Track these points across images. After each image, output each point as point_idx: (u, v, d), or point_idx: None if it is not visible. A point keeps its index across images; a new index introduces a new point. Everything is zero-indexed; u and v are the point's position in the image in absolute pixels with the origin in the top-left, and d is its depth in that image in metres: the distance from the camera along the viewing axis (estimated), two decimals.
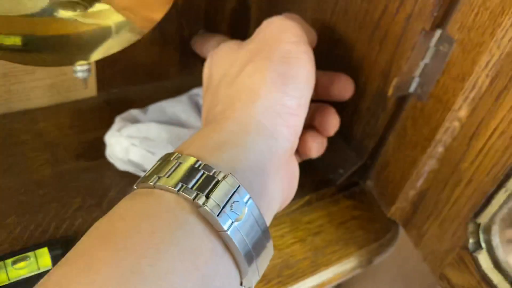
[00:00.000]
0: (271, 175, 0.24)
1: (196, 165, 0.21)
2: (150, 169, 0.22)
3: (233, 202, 0.20)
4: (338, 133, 0.37)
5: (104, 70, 0.38)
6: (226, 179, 0.21)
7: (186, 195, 0.20)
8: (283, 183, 0.26)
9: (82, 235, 0.29)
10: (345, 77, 0.32)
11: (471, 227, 0.29)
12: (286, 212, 0.34)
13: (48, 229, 0.29)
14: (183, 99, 0.36)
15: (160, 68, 0.41)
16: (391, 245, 0.35)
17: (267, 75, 0.26)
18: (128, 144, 0.31)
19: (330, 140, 0.36)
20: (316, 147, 0.31)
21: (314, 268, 0.31)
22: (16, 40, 0.22)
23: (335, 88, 0.32)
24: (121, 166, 0.33)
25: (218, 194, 0.20)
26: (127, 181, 0.33)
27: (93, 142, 0.35)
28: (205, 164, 0.21)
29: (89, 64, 0.29)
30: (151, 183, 0.21)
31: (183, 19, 0.39)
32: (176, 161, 0.22)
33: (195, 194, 0.20)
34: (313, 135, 0.31)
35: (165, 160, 0.22)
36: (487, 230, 0.29)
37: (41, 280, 0.18)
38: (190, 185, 0.20)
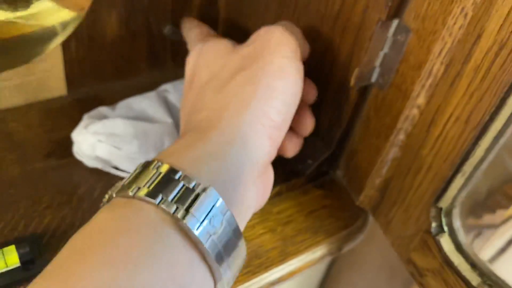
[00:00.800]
0: (248, 185, 0.25)
1: (176, 177, 0.22)
2: (129, 176, 0.22)
3: (212, 216, 0.21)
4: None
5: (73, 68, 0.38)
6: (206, 192, 0.21)
7: (166, 208, 0.20)
8: (258, 190, 0.26)
9: (51, 233, 0.30)
10: (309, 81, 0.32)
11: (433, 212, 0.30)
12: None
13: (17, 227, 0.30)
14: (151, 95, 0.36)
15: (129, 65, 0.41)
16: (360, 232, 0.36)
17: (259, 87, 0.26)
18: (95, 140, 0.32)
19: None
20: (292, 148, 0.32)
21: (283, 257, 0.32)
22: None
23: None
24: (89, 162, 0.33)
25: (198, 208, 0.21)
26: (96, 177, 0.33)
27: (63, 140, 0.35)
28: (185, 176, 0.22)
29: None
30: (131, 193, 0.21)
31: (150, 15, 0.39)
32: (155, 170, 0.22)
33: (175, 207, 0.20)
34: (288, 136, 0.31)
35: (145, 168, 0.22)
36: (448, 213, 0.29)
37: None
38: (170, 198, 0.21)
